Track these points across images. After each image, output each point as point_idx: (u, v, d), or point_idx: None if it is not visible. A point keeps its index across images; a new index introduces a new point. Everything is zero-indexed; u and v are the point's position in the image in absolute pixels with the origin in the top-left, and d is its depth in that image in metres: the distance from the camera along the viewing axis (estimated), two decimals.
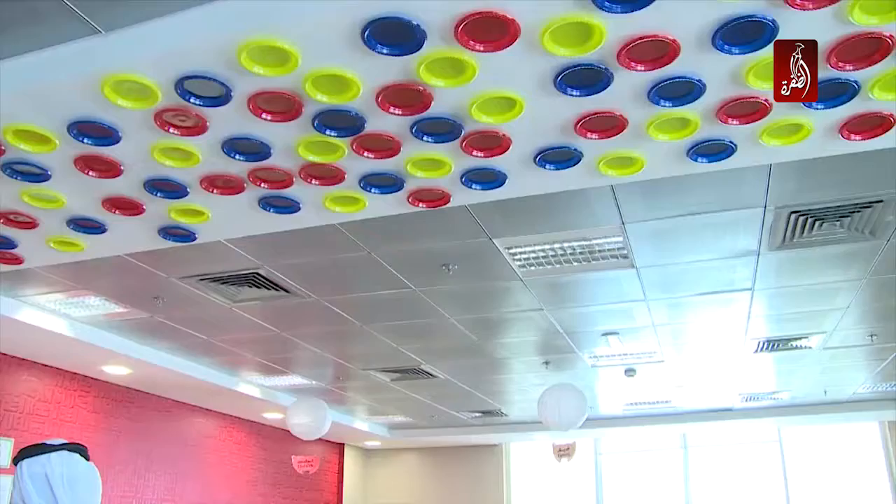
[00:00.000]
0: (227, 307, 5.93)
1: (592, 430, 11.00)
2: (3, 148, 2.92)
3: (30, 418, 6.88)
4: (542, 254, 4.92)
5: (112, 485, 7.74)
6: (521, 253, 4.91)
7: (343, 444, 12.69)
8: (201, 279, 5.34)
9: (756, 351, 7.43)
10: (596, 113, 2.65)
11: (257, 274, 5.23)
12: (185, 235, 3.74)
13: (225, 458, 9.75)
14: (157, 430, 8.56)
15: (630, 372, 8.11)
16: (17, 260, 4.13)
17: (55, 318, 6.07)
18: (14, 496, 2.56)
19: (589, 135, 2.78)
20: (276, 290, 5.54)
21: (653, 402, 10.16)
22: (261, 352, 7.39)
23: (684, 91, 2.53)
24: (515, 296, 5.76)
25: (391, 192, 3.22)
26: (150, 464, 8.37)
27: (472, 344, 7.06)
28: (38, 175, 3.13)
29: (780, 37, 2.22)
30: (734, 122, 2.69)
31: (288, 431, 8.38)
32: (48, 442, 2.61)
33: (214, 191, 3.22)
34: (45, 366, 7.13)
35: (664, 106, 2.59)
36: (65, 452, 2.57)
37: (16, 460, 2.64)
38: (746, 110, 2.63)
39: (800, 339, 7.04)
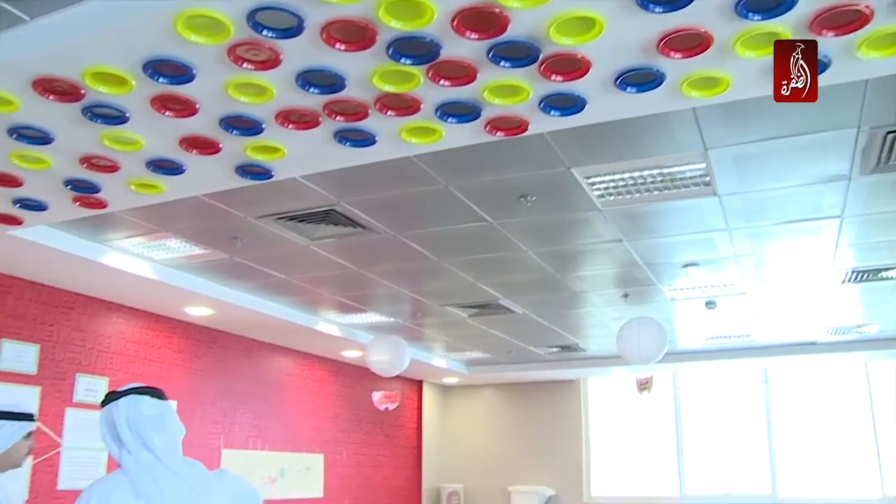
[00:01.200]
0: (305, 245, 5.98)
1: (671, 364, 10.85)
2: (82, 91, 2.96)
3: (121, 358, 7.13)
4: (621, 183, 4.80)
5: (200, 423, 8.00)
6: (599, 182, 4.80)
7: (421, 381, 12.86)
8: (278, 218, 5.38)
9: (843, 282, 7.19)
10: (680, 30, 2.54)
11: (333, 210, 5.24)
12: (262, 173, 3.76)
13: (306, 396, 9.98)
14: (241, 370, 8.79)
15: (710, 304, 7.95)
16: (101, 204, 4.22)
17: (139, 261, 6.22)
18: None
19: (672, 54, 2.67)
20: (353, 226, 5.56)
21: (733, 335, 9.98)
22: (338, 290, 7.46)
23: (775, 2, 2.39)
24: (594, 227, 5.66)
25: (468, 121, 3.16)
26: (235, 402, 8.61)
27: (549, 277, 7.01)
28: (117, 117, 3.17)
29: None
30: (829, 35, 2.52)
31: (367, 369, 8.50)
32: (118, 389, 2.69)
33: (290, 126, 3.21)
34: (133, 308, 7.35)
35: (753, 20, 2.46)
36: (131, 397, 2.64)
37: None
38: (843, 20, 2.46)
39: (891, 269, 6.77)
